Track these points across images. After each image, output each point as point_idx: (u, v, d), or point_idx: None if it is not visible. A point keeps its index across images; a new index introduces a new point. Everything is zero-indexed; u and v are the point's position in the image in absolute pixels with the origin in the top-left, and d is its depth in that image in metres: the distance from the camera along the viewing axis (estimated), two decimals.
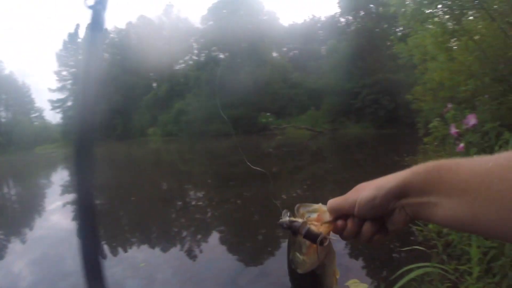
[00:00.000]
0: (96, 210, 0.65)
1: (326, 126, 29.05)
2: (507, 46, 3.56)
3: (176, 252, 4.87)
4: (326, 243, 0.56)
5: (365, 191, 0.54)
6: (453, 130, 3.97)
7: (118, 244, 5.48)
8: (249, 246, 5.22)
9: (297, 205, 0.61)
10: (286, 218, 0.60)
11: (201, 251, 4.87)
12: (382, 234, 0.55)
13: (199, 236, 5.79)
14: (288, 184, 9.45)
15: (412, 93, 12.24)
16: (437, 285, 2.56)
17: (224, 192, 9.02)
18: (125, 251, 5.12)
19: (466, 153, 2.83)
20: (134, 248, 5.23)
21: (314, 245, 0.55)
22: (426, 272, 2.53)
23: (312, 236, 0.55)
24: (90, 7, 0.64)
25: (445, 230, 3.19)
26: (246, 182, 9.84)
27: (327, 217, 0.59)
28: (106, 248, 5.33)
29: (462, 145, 3.58)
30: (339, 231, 0.58)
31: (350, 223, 0.57)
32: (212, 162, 16.52)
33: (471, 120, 3.60)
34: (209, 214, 7.49)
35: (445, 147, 6.39)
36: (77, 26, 54.33)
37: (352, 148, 17.67)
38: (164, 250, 5.08)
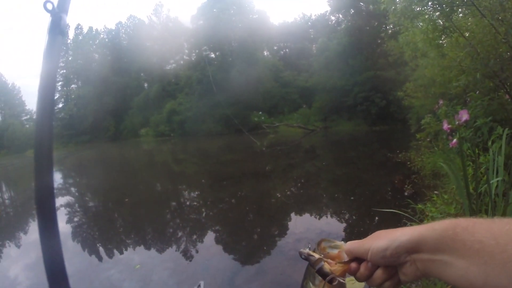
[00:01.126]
0: (55, 213, 0.65)
1: (318, 124, 29.14)
2: (497, 42, 3.59)
3: (171, 253, 4.85)
4: (335, 283, 0.57)
5: (380, 240, 0.55)
6: (446, 126, 3.99)
7: (113, 246, 5.45)
8: (245, 245, 5.21)
9: (320, 239, 0.64)
10: (306, 249, 0.62)
11: (197, 251, 4.86)
12: (393, 281, 0.56)
13: (194, 236, 5.77)
14: (282, 182, 9.46)
15: (404, 90, 12.34)
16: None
17: (218, 192, 9.01)
18: (120, 253, 5.08)
19: (459, 148, 2.84)
20: (130, 250, 5.19)
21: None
22: None
23: (322, 274, 0.58)
24: (49, 11, 0.62)
25: None
26: (239, 181, 9.84)
27: (346, 256, 0.61)
28: (101, 250, 5.30)
29: (455, 140, 3.61)
30: (353, 273, 0.59)
31: (363, 267, 0.58)
32: (205, 162, 16.48)
33: (463, 115, 3.62)
34: (203, 214, 7.46)
35: (437, 143, 6.46)
36: (67, 26, 53.71)
37: (345, 145, 17.74)
38: (160, 251, 5.06)
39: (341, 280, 0.58)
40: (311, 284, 0.60)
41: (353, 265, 0.58)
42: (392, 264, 0.54)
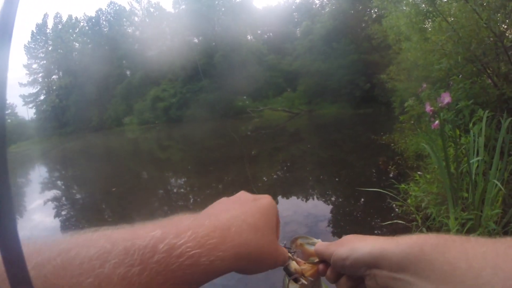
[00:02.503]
0: (14, 211, 0.66)
1: (303, 107, 29.18)
2: (479, 27, 3.68)
3: None
4: (299, 283, 0.56)
5: (342, 247, 0.51)
6: (428, 108, 4.12)
7: None
8: None
9: (296, 236, 0.63)
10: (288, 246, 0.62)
11: None
12: None
13: None
14: (267, 166, 9.55)
15: (387, 73, 12.46)
16: None
17: (204, 178, 9.03)
18: None
19: (441, 130, 2.95)
20: None
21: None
22: None
23: (288, 272, 0.57)
24: None
25: (423, 204, 3.33)
26: (225, 166, 9.88)
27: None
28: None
29: (437, 122, 3.72)
30: (321, 275, 0.57)
31: (329, 271, 0.55)
32: (191, 148, 16.44)
33: (446, 98, 3.74)
34: (191, 201, 7.51)
35: (420, 125, 6.61)
36: (45, 15, 51.94)
37: (329, 129, 17.89)
38: None
39: (303, 281, 0.56)
40: (286, 280, 0.59)
41: (321, 267, 0.56)
42: (352, 275, 0.51)
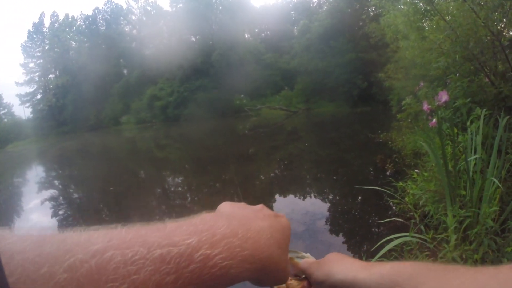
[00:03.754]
0: None
1: (300, 106, 29.19)
2: (477, 26, 3.69)
3: None
4: None
5: (320, 270, 0.53)
6: (426, 106, 4.12)
7: None
8: None
9: None
10: None
11: None
12: None
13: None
14: (265, 164, 9.56)
15: (385, 71, 12.48)
16: (416, 254, 2.70)
17: (202, 176, 9.03)
18: None
19: (439, 128, 2.96)
20: None
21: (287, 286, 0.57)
22: (405, 242, 2.61)
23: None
24: None
25: (421, 202, 3.34)
26: (223, 165, 9.88)
27: None
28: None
29: (434, 120, 3.73)
30: None
31: None
32: (188, 147, 16.42)
33: (443, 96, 3.74)
34: (189, 199, 7.51)
35: (418, 123, 6.63)
36: (42, 14, 51.81)
37: (327, 127, 17.91)
38: None
39: None
40: None
41: (306, 283, 0.57)
42: None
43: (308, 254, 0.63)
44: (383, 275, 0.42)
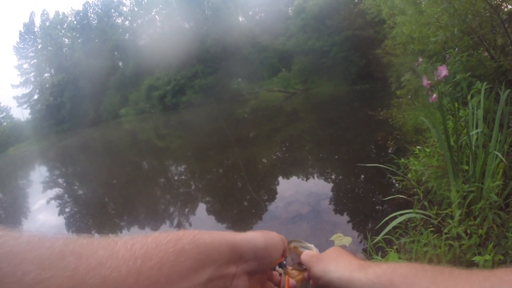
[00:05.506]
0: None
1: (299, 86, 28.99)
2: None
3: (165, 229, 4.93)
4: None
5: (318, 266, 0.53)
6: (425, 82, 4.09)
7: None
8: (236, 212, 5.36)
9: (288, 240, 0.63)
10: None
11: (190, 225, 4.98)
12: None
13: (186, 210, 5.89)
14: (267, 147, 9.57)
15: (383, 48, 12.35)
16: (421, 230, 2.72)
17: (204, 163, 9.07)
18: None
19: (439, 103, 2.94)
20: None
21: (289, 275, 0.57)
22: (409, 218, 2.63)
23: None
24: None
25: (424, 178, 3.35)
26: (225, 150, 9.90)
27: None
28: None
29: (435, 95, 3.71)
30: (307, 281, 0.59)
31: (311, 281, 0.56)
32: (188, 134, 16.44)
33: (443, 71, 3.71)
34: (193, 187, 7.56)
35: (418, 99, 6.60)
36: (32, 14, 51.07)
37: (327, 106, 17.85)
38: (154, 228, 5.15)
39: None
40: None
41: (307, 275, 0.58)
42: None
43: (312, 245, 0.64)
44: (379, 275, 0.42)
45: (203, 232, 0.39)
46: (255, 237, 0.45)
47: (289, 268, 0.59)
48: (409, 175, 3.82)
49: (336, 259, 0.52)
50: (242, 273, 0.43)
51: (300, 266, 0.61)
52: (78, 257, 0.28)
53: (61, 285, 0.26)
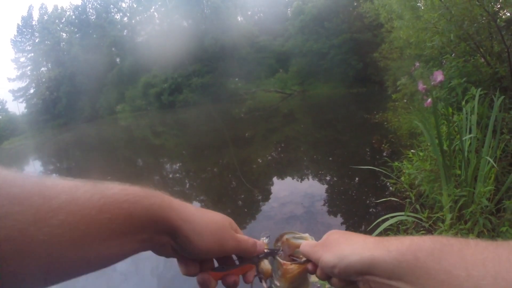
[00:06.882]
0: None
1: (296, 88, 29.04)
2: (472, 5, 3.67)
3: None
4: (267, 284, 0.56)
5: (329, 253, 0.49)
6: (421, 86, 4.13)
7: None
8: (231, 212, 5.35)
9: (282, 233, 0.61)
10: (264, 239, 0.62)
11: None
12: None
13: None
14: (262, 148, 9.58)
15: (380, 52, 12.41)
16: (412, 233, 2.75)
17: (199, 162, 9.06)
18: None
19: (434, 107, 2.97)
20: None
21: (287, 271, 0.56)
22: (401, 221, 2.66)
23: (258, 270, 0.57)
24: None
25: (417, 182, 3.38)
26: (219, 149, 9.90)
27: None
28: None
29: (429, 100, 3.74)
30: (311, 273, 0.55)
31: (318, 272, 0.53)
32: (184, 133, 16.41)
33: (438, 76, 3.75)
34: (187, 185, 7.55)
35: (413, 103, 6.65)
36: (30, 7, 50.79)
37: (323, 108, 17.88)
38: None
39: (264, 286, 0.57)
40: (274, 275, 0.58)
41: (310, 266, 0.54)
42: (344, 279, 0.48)
43: (306, 235, 0.60)
44: (403, 252, 0.39)
45: (161, 199, 0.49)
46: (201, 223, 0.52)
47: (288, 263, 0.56)
48: (402, 178, 3.85)
49: (348, 242, 0.48)
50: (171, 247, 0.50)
51: (294, 259, 0.58)
52: (42, 197, 0.34)
53: (26, 220, 0.31)
